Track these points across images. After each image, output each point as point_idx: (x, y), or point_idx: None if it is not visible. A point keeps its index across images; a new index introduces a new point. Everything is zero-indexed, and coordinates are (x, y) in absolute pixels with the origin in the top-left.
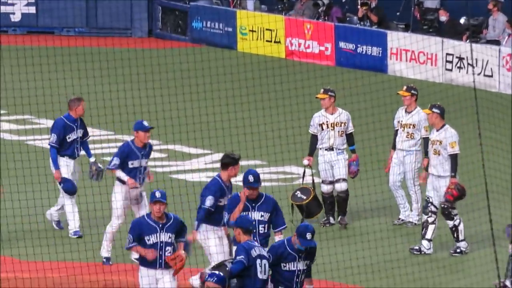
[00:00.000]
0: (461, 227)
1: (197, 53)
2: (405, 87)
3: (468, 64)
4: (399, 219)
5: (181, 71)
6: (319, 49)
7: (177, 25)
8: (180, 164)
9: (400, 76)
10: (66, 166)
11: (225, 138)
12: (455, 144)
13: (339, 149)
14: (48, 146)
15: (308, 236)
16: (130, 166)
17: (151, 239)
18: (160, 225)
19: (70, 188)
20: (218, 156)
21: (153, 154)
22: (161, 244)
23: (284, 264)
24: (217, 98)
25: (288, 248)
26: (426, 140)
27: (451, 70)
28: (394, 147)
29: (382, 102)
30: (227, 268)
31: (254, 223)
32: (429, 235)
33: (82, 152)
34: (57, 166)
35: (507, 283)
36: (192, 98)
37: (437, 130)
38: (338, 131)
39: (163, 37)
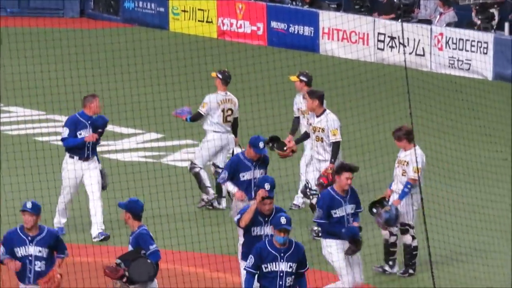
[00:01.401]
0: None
1: (129, 33)
2: (298, 72)
3: (400, 43)
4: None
5: (112, 52)
6: (251, 29)
7: (109, 5)
8: (112, 144)
9: (332, 55)
10: (74, 171)
11: (156, 118)
12: (337, 132)
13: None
14: (61, 143)
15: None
16: (242, 178)
17: (20, 252)
18: (30, 238)
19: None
20: (150, 136)
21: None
22: (30, 258)
23: (266, 265)
24: (149, 78)
25: (268, 246)
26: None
27: (382, 49)
28: (292, 132)
29: (313, 82)
30: None
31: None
32: None
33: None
34: (81, 139)
35: (386, 268)
36: (124, 79)
37: (317, 117)
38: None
39: (95, 17)
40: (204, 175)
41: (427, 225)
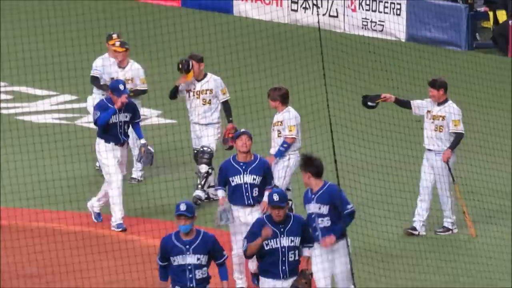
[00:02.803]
0: (210, 179)
1: None
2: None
3: (313, 4)
4: None
5: (33, 12)
6: None
7: None
8: (26, 106)
9: (246, 16)
10: (112, 151)
11: (70, 80)
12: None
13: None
14: (94, 126)
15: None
16: (232, 183)
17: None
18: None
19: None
20: (64, 97)
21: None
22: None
23: (174, 259)
24: (63, 40)
25: (174, 239)
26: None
27: (296, 10)
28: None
29: (227, 43)
30: None
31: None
32: (205, 186)
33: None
34: (112, 109)
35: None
36: (38, 40)
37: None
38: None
39: None
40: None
41: (340, 186)
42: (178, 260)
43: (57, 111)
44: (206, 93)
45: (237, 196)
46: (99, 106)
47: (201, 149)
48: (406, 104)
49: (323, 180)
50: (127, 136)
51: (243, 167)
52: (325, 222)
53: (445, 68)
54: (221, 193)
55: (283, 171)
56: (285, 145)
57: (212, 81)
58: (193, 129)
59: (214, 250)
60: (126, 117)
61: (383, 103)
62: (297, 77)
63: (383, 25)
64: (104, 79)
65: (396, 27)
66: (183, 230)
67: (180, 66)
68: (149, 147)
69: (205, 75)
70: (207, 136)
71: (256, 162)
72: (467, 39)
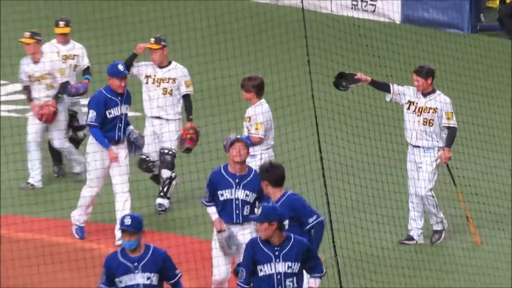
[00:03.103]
0: (174, 183)
1: None
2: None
3: None
4: None
5: None
6: None
7: None
8: None
9: None
10: (101, 156)
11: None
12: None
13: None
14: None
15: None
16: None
17: None
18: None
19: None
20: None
21: None
22: None
23: (120, 280)
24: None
25: (119, 257)
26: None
27: None
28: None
29: (198, 25)
30: None
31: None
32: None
33: None
34: (106, 143)
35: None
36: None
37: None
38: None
39: None
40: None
41: (327, 188)
42: (125, 281)
43: (5, 103)
44: (168, 82)
45: (224, 213)
46: (96, 101)
47: (161, 151)
48: (384, 87)
49: (284, 189)
50: (124, 133)
51: (236, 180)
52: None
53: (445, 53)
54: (214, 212)
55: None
56: (248, 142)
57: (177, 70)
58: (149, 124)
59: (165, 268)
60: (127, 108)
61: (376, 92)
62: (278, 64)
63: (375, 5)
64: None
65: (390, 7)
66: (127, 247)
67: (154, 41)
68: (136, 134)
69: (169, 63)
70: (168, 133)
71: (251, 176)
72: (470, 21)
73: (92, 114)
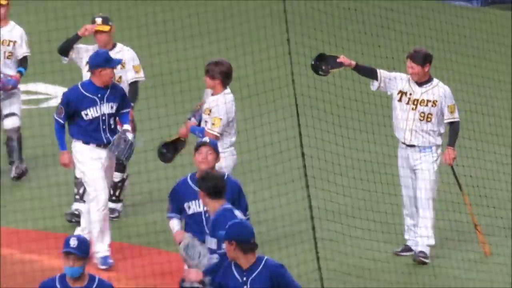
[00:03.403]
0: (127, 184)
1: None
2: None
3: None
4: None
5: None
6: None
7: None
8: None
9: None
10: (95, 158)
11: None
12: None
13: None
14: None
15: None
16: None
17: None
18: None
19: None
20: None
21: None
22: None
23: None
24: None
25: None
26: None
27: None
28: None
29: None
30: None
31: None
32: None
33: None
34: (62, 145)
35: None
36: None
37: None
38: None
39: None
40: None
41: (310, 189)
42: None
43: None
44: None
45: (193, 228)
46: (67, 96)
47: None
48: (371, 73)
49: (224, 202)
50: (113, 133)
51: None
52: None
53: (453, 31)
54: (176, 224)
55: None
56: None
57: (124, 53)
58: None
59: None
60: (112, 107)
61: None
62: (252, 43)
63: None
64: None
65: None
66: (70, 274)
67: (101, 22)
68: (128, 135)
69: (114, 45)
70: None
71: None
72: None
73: (61, 110)
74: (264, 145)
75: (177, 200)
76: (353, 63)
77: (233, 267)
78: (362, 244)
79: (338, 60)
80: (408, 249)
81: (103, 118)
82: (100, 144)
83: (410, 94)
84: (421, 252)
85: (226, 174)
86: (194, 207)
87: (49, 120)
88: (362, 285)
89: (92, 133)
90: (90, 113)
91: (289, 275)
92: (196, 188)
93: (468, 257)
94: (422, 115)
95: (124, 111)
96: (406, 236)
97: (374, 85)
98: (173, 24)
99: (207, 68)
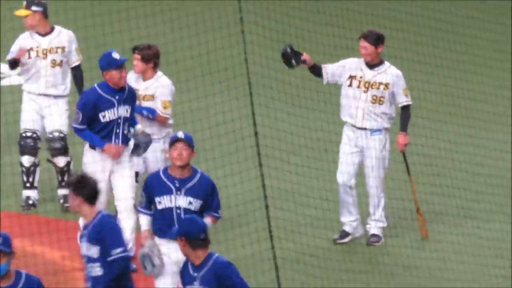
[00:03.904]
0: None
1: None
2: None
3: None
4: None
5: None
6: None
7: None
8: None
9: None
10: (101, 165)
11: None
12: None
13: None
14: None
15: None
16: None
17: None
18: None
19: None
20: None
21: None
22: None
23: None
24: None
25: None
26: None
27: None
28: None
29: None
30: None
31: None
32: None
33: None
34: (99, 142)
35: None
36: None
37: (147, 81)
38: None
39: None
40: None
41: (263, 168)
42: None
43: None
44: (56, 52)
45: (164, 225)
46: (85, 99)
47: (50, 136)
48: (319, 71)
49: (97, 209)
50: (127, 140)
51: (177, 185)
52: (96, 270)
53: (411, 11)
54: (145, 222)
55: (160, 158)
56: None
57: (63, 35)
58: (32, 104)
59: None
60: (127, 111)
61: None
62: (205, 22)
63: None
64: None
65: None
66: None
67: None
68: (139, 132)
69: (52, 29)
70: (58, 114)
71: (196, 180)
72: None
73: (78, 115)
74: (217, 124)
75: (149, 193)
76: (312, 62)
77: (188, 264)
78: (316, 223)
79: (302, 57)
80: (345, 234)
81: (119, 121)
82: None
83: (361, 77)
84: (373, 235)
85: (200, 171)
86: (165, 202)
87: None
88: (315, 264)
89: (102, 137)
90: (108, 115)
91: (236, 275)
92: (169, 183)
93: (411, 244)
94: (374, 97)
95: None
96: (343, 220)
97: (324, 80)
98: (126, 3)
99: (141, 54)
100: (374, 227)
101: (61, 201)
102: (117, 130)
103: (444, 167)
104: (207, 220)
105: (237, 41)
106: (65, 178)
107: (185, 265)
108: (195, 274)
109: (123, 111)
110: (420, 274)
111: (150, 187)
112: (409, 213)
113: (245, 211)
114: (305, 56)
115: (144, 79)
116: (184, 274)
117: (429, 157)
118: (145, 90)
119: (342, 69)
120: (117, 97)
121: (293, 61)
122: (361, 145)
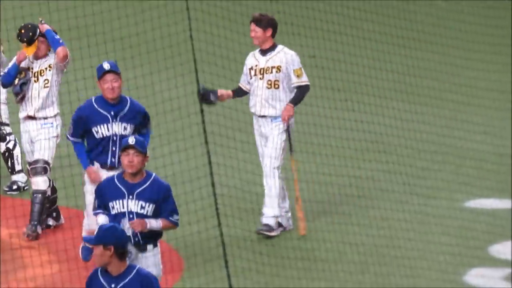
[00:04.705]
0: (17, 152)
1: None
2: None
3: None
4: None
5: None
6: None
7: None
8: None
9: None
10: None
11: None
12: None
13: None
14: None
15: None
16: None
17: None
18: None
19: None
20: None
21: None
22: None
23: None
24: None
25: None
26: None
27: None
28: None
29: None
30: None
31: None
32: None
33: None
34: (85, 162)
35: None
36: None
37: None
38: None
39: None
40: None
41: (209, 145)
42: None
43: None
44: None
45: None
46: (79, 111)
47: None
48: (241, 92)
49: None
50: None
51: (128, 189)
52: None
53: (431, 12)
54: (103, 219)
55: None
56: None
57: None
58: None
59: None
60: (125, 128)
61: None
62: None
63: None
64: None
65: None
66: None
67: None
68: None
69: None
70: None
71: (148, 184)
72: None
73: (70, 126)
74: (163, 101)
75: (103, 198)
76: (231, 93)
77: (99, 274)
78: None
79: (218, 94)
80: (270, 228)
81: (114, 139)
82: (104, 165)
83: (256, 65)
84: (265, 225)
85: (154, 175)
86: (117, 207)
87: None
88: (262, 242)
89: (98, 153)
90: (101, 131)
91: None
92: (122, 187)
93: (368, 213)
94: (269, 82)
95: (143, 134)
96: (265, 211)
97: (249, 90)
98: None
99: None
100: (267, 217)
101: (9, 188)
102: (113, 148)
103: (390, 144)
104: (159, 223)
105: (182, 18)
106: (10, 163)
107: (92, 277)
108: (113, 285)
109: (119, 128)
110: (367, 251)
111: (104, 192)
112: (355, 189)
113: (191, 188)
114: (219, 91)
115: (39, 57)
116: (93, 286)
117: (375, 134)
118: (38, 67)
119: (246, 68)
120: (112, 112)
121: (211, 97)
122: (264, 132)
